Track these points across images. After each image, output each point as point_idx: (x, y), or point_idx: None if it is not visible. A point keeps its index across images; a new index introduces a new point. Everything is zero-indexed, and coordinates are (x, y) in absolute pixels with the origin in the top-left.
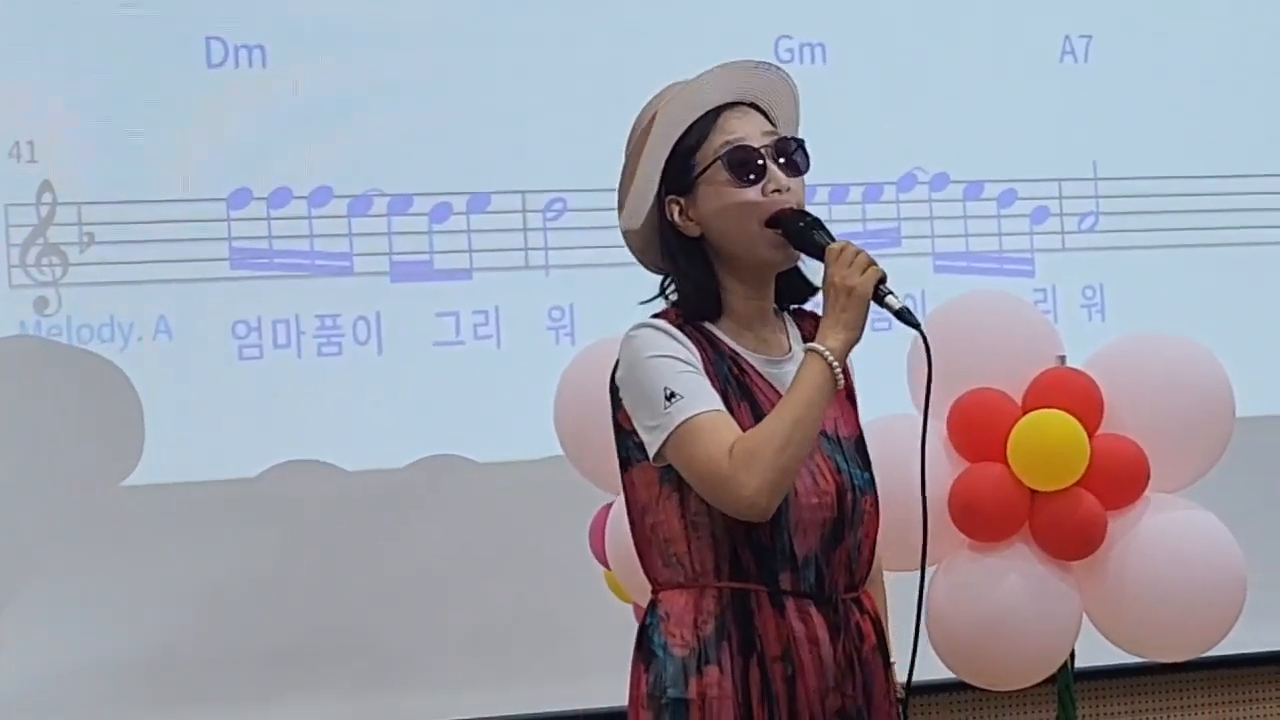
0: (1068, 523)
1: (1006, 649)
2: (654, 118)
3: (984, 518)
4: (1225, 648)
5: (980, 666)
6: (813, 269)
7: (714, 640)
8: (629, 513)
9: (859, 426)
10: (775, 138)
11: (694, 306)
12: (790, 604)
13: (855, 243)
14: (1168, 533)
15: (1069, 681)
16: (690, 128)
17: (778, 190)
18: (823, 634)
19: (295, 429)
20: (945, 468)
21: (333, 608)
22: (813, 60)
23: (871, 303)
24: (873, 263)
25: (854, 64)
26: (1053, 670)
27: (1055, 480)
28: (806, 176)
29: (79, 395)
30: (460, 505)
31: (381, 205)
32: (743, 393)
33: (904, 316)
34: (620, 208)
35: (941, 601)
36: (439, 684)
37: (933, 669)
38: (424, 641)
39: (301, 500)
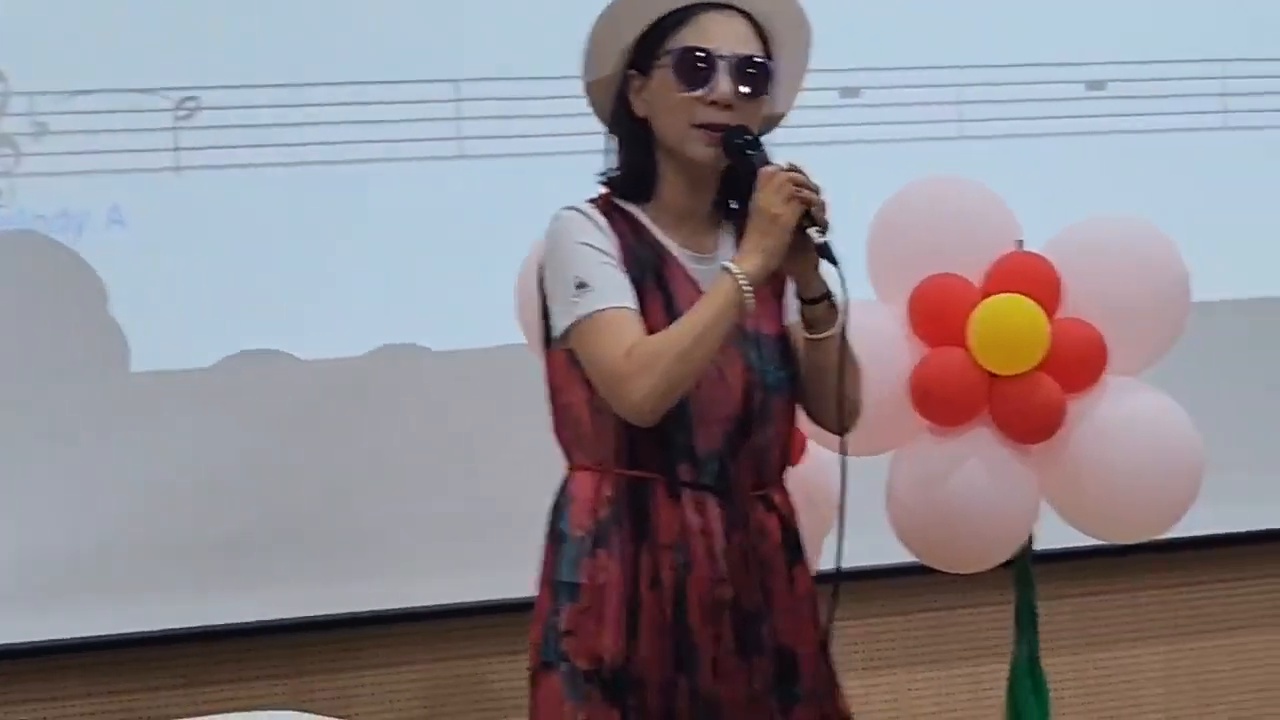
0: (1027, 406)
1: (967, 532)
2: None
3: (944, 402)
4: (1180, 530)
5: (940, 550)
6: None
7: (608, 525)
8: (548, 393)
9: (782, 324)
10: (742, 55)
11: (628, 184)
12: (687, 495)
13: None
14: (1126, 415)
15: (1028, 564)
16: (670, 13)
17: (715, 102)
18: (717, 527)
19: (251, 318)
20: (905, 353)
21: (287, 497)
22: None
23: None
24: (803, 190)
25: None
26: (1012, 553)
27: (1015, 364)
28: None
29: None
30: (418, 395)
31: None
32: (658, 283)
33: (823, 252)
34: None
35: (902, 486)
36: (396, 572)
37: (893, 553)
38: (379, 530)
39: (256, 390)
